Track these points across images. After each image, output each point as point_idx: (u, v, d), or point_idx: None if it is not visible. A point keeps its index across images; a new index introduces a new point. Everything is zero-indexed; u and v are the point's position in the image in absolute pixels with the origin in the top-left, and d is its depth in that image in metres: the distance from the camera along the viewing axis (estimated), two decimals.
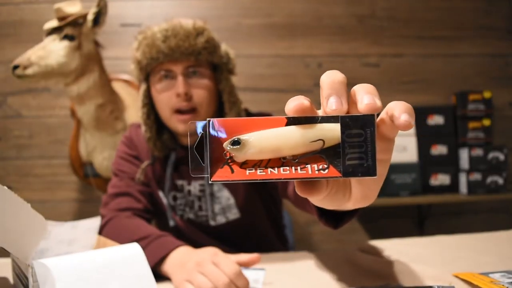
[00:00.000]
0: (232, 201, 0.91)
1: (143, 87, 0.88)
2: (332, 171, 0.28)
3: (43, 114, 1.84)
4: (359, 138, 0.27)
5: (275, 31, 1.90)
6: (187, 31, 0.82)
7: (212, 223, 0.92)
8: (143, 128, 0.89)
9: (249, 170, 0.28)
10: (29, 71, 1.22)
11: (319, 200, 0.33)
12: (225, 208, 0.91)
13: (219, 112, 0.91)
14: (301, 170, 0.28)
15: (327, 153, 0.28)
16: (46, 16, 1.72)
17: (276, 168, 0.28)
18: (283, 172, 0.28)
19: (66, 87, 1.36)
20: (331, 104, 0.29)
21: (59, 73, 1.28)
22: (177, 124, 0.84)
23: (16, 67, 1.22)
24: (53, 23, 1.31)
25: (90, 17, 1.32)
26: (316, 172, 0.28)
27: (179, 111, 0.83)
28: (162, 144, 0.90)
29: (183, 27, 0.82)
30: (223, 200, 0.91)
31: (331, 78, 0.29)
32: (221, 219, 0.92)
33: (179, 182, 0.92)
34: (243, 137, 0.28)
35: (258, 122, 0.29)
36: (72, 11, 1.31)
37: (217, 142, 0.29)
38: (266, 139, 0.28)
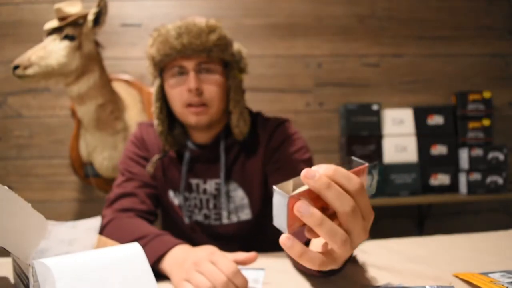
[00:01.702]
0: (246, 201, 0.92)
1: (157, 82, 0.89)
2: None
3: (43, 114, 1.84)
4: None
5: (276, 31, 1.90)
6: (200, 29, 0.83)
7: (225, 221, 0.92)
8: (155, 122, 0.90)
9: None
10: (30, 71, 1.22)
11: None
12: (238, 208, 0.92)
13: (228, 108, 0.92)
14: None
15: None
16: (46, 16, 1.72)
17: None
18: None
19: (66, 87, 1.36)
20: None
21: (59, 73, 1.28)
22: (189, 116, 0.85)
23: (16, 67, 1.21)
24: (54, 23, 1.31)
25: (90, 17, 1.32)
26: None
27: (190, 105, 0.85)
28: (174, 139, 0.91)
29: (196, 24, 0.84)
30: (237, 199, 0.92)
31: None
32: (233, 218, 0.93)
33: (194, 181, 0.92)
34: None
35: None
36: (72, 11, 1.31)
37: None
38: None
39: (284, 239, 0.37)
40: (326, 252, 0.39)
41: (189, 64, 0.84)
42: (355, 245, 0.39)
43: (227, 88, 0.89)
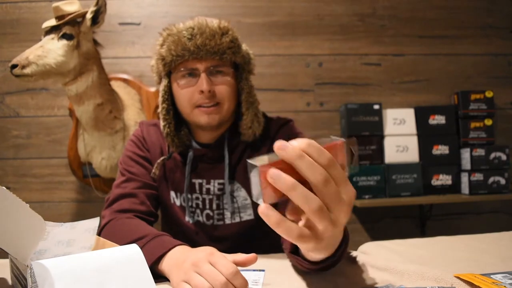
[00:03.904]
0: (248, 201, 0.92)
1: (163, 82, 0.88)
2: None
3: (41, 113, 1.83)
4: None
5: (276, 30, 1.90)
6: (213, 30, 0.82)
7: (228, 221, 0.92)
8: (162, 123, 0.89)
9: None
10: (27, 70, 1.21)
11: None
12: (241, 208, 0.92)
13: (237, 110, 0.91)
14: None
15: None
16: (44, 15, 1.72)
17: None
18: None
19: (64, 87, 1.36)
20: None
21: (57, 72, 1.28)
22: (199, 116, 0.85)
23: (14, 66, 1.21)
24: (52, 22, 1.30)
25: (88, 15, 1.31)
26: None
27: (201, 106, 0.84)
28: (180, 140, 0.90)
29: (209, 26, 0.83)
30: (239, 199, 0.91)
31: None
32: (236, 218, 0.92)
33: (197, 181, 0.92)
34: None
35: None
36: (70, 9, 1.30)
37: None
38: None
39: (262, 208, 0.37)
40: (308, 227, 0.39)
41: (201, 66, 0.83)
42: (338, 222, 0.39)
43: (238, 91, 0.89)
